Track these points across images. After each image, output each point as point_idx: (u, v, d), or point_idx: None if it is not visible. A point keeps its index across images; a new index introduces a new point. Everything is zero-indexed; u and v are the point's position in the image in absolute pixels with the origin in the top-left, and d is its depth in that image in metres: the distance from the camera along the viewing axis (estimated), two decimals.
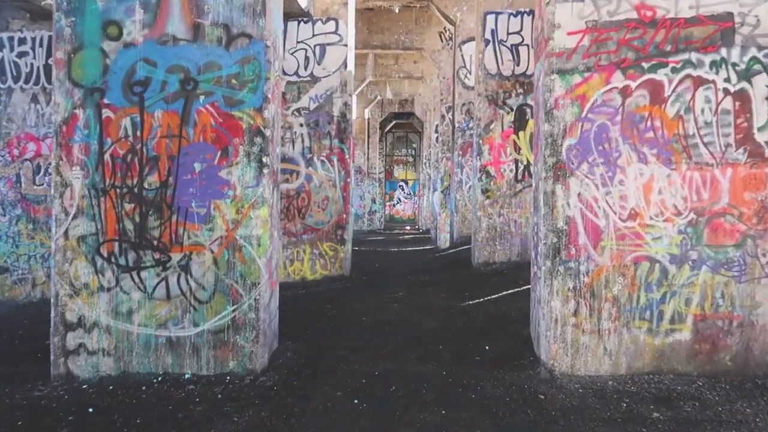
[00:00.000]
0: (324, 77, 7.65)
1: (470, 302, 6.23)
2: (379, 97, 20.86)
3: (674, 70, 3.77)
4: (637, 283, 3.84)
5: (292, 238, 7.63)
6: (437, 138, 17.70)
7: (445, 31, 13.86)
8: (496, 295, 6.36)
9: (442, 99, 14.68)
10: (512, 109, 7.68)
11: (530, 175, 7.45)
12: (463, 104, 10.54)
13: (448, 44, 13.89)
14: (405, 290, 7.10)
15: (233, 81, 3.99)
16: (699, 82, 3.76)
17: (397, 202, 33.48)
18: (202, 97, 3.98)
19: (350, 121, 7.74)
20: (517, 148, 7.64)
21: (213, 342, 3.99)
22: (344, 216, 7.65)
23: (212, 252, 3.99)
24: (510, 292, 6.41)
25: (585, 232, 3.89)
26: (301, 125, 7.63)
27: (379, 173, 26.84)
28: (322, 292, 6.79)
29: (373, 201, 24.72)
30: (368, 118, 22.16)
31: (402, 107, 24.03)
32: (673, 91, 3.77)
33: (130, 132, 3.95)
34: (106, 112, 3.97)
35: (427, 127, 22.37)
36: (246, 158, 4.02)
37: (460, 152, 10.48)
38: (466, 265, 8.33)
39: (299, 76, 7.62)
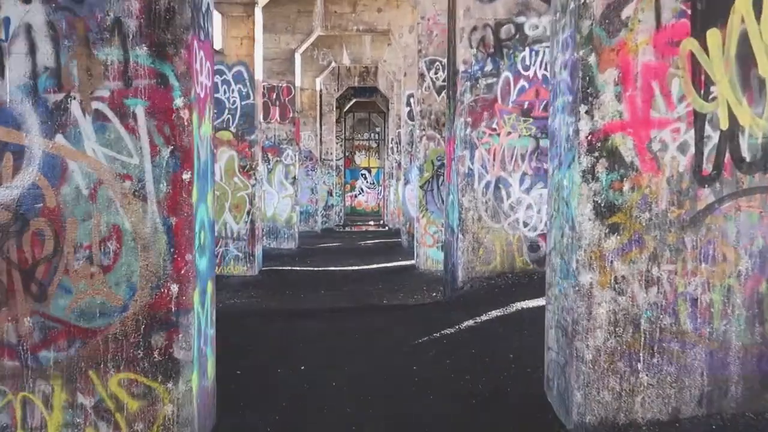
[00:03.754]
0: None
1: None
2: (333, 64, 15.38)
3: None
4: None
5: (6, 361, 2.33)
6: (410, 112, 12.41)
7: None
8: None
9: (421, 51, 9.39)
10: None
11: (739, 164, 2.30)
12: (474, 28, 5.31)
13: None
14: None
15: None
16: None
17: (359, 193, 28.13)
18: None
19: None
20: (700, 83, 2.39)
21: None
22: (178, 286, 2.35)
23: None
24: None
25: None
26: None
27: (337, 160, 21.37)
28: None
29: (330, 194, 19.29)
30: (320, 90, 16.64)
31: (363, 80, 18.57)
32: None
33: None
34: None
35: (394, 103, 16.98)
36: None
37: (468, 119, 5.26)
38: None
39: None
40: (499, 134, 5.24)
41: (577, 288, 2.43)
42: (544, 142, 5.26)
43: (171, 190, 2.29)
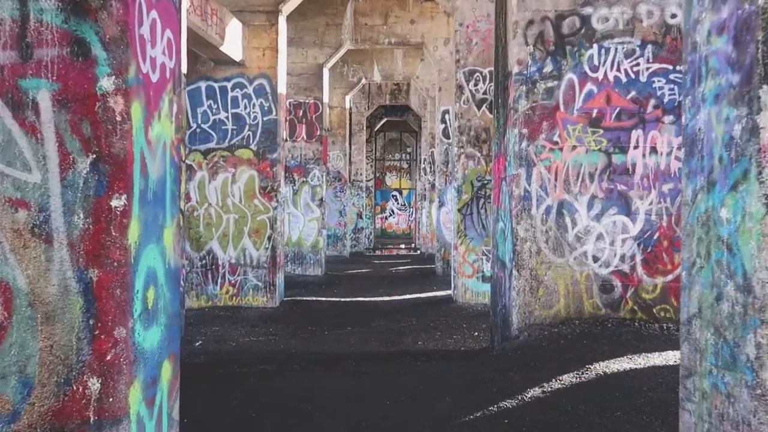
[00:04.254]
0: None
1: None
2: (363, 80, 14.64)
3: None
4: None
5: None
6: (444, 129, 11.51)
7: None
8: None
9: (459, 61, 8.51)
10: None
11: None
12: (531, 21, 4.38)
13: None
14: None
15: None
16: None
17: (390, 215, 27.30)
18: None
19: None
20: None
21: None
22: (101, 380, 1.44)
23: None
24: None
25: None
26: None
27: (367, 181, 20.57)
28: None
29: (359, 216, 18.44)
30: (350, 109, 15.91)
31: (394, 98, 17.80)
32: None
33: None
34: None
35: (427, 121, 16.11)
36: None
37: (524, 131, 4.28)
38: None
39: None
40: (561, 149, 4.28)
41: (756, 389, 1.44)
42: (619, 159, 4.27)
43: (92, 226, 1.41)
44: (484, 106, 8.22)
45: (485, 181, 8.20)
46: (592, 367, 3.30)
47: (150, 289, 1.56)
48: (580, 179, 4.26)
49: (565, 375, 3.26)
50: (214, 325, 6.95)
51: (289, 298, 8.63)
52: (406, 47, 12.82)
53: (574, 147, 4.27)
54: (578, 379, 3.17)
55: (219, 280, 7.96)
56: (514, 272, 4.24)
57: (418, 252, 18.31)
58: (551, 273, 4.21)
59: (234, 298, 7.97)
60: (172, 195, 1.73)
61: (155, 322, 1.61)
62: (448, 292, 9.35)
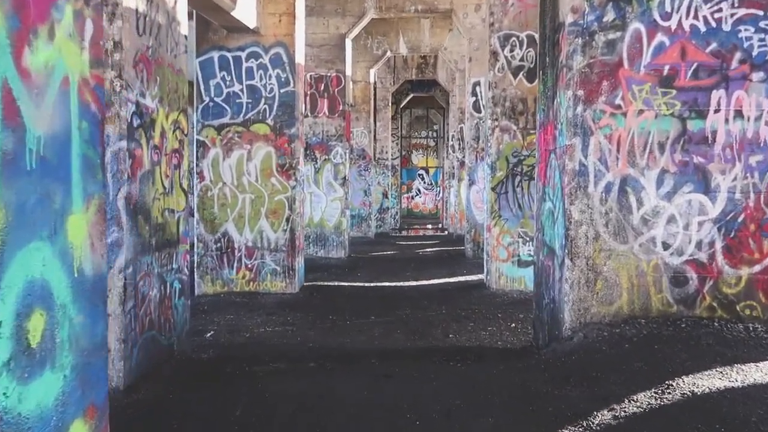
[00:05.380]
0: None
1: None
2: (389, 53, 13.84)
3: None
4: None
5: None
6: (475, 102, 10.70)
7: None
8: None
9: (494, 24, 7.68)
10: None
11: None
12: None
13: None
14: None
15: None
16: None
17: (416, 194, 26.60)
18: None
19: None
20: None
21: None
22: None
23: None
24: None
25: None
26: None
27: (393, 159, 19.85)
28: None
29: (385, 195, 17.79)
30: (374, 83, 15.14)
31: (421, 72, 16.97)
32: None
33: None
34: None
35: (456, 95, 15.26)
36: None
37: (580, 93, 3.52)
38: None
39: None
40: (625, 114, 3.54)
41: None
42: (695, 125, 3.51)
43: None
44: (521, 74, 7.43)
45: (522, 157, 7.44)
46: (674, 384, 2.61)
47: (33, 316, 0.95)
48: (647, 150, 3.53)
49: (640, 393, 2.58)
50: (229, 313, 6.42)
51: (309, 283, 8.07)
52: (433, 16, 11.98)
53: (641, 111, 3.53)
54: (659, 401, 2.49)
55: (235, 264, 7.43)
56: (567, 261, 3.54)
57: (446, 232, 17.63)
58: (612, 262, 3.51)
59: (251, 283, 7.43)
60: (86, 163, 1.09)
61: (49, 365, 1.00)
62: (480, 276, 8.67)
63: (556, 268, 3.74)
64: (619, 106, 3.53)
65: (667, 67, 3.52)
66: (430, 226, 20.09)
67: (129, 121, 3.66)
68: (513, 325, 5.84)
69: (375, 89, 15.52)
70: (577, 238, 3.52)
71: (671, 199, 3.51)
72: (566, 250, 3.55)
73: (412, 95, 20.37)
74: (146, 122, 3.87)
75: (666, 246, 3.50)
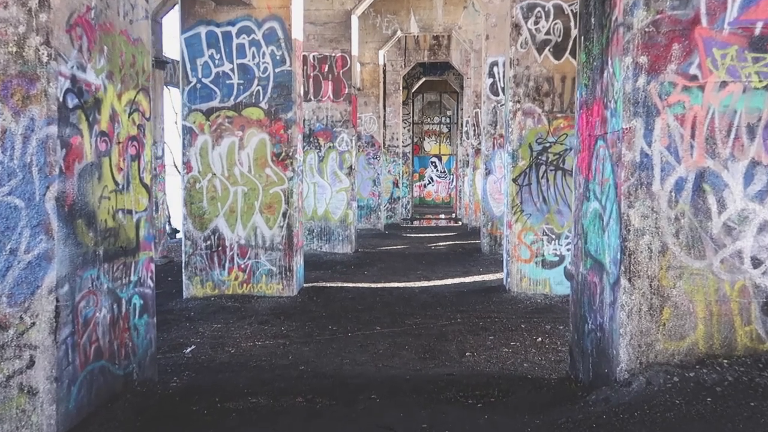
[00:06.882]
0: None
1: None
2: (399, 33, 12.91)
3: None
4: None
5: None
6: (492, 84, 9.76)
7: None
8: None
9: None
10: None
11: None
12: None
13: None
14: None
15: None
16: None
17: (429, 183, 25.70)
18: None
19: None
20: None
21: None
22: None
23: None
24: None
25: None
26: None
27: (404, 146, 18.96)
28: None
29: (396, 184, 16.93)
30: (384, 65, 14.21)
31: (434, 54, 16.01)
32: None
33: None
34: None
35: (471, 78, 14.28)
36: None
37: (642, 59, 2.67)
38: None
39: None
40: (703, 87, 2.65)
41: None
42: None
43: None
44: (547, 49, 6.51)
45: (547, 144, 6.56)
46: None
47: None
48: (732, 135, 2.65)
49: None
50: (217, 321, 5.66)
51: (309, 284, 7.29)
52: None
53: (725, 84, 2.64)
54: None
55: (227, 265, 6.65)
56: (623, 282, 2.68)
57: (460, 223, 16.77)
58: (684, 284, 2.65)
59: (244, 285, 6.66)
60: None
61: None
62: (499, 276, 7.83)
63: (605, 287, 2.89)
64: (694, 77, 2.65)
65: (760, 24, 2.62)
66: (443, 216, 19.22)
67: (61, 100, 2.83)
68: (539, 339, 5.01)
69: (384, 72, 14.61)
70: (638, 251, 2.66)
71: (764, 200, 2.64)
72: (622, 267, 2.69)
73: (424, 79, 19.43)
74: (88, 102, 3.05)
75: (756, 263, 2.63)
